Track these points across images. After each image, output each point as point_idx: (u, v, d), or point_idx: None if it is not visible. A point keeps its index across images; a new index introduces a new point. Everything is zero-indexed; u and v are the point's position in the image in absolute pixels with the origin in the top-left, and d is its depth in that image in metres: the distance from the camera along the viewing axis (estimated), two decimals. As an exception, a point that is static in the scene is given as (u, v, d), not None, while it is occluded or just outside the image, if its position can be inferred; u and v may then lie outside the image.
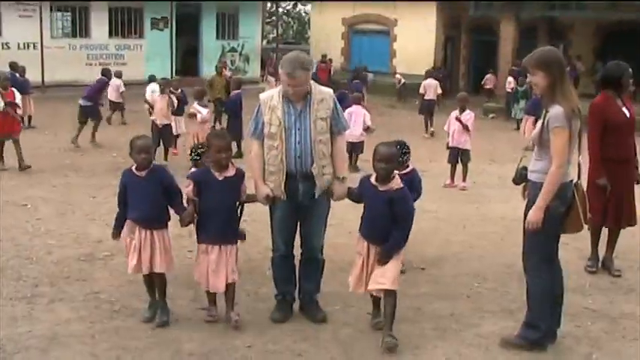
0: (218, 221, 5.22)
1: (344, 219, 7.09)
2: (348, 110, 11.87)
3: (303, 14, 52.79)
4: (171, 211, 5.38)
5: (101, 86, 15.34)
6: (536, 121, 15.94)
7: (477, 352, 5.02)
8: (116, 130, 16.20)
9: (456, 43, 30.91)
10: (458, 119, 11.30)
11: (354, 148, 12.16)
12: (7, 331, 5.12)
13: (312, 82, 5.30)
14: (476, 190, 11.20)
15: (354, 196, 5.36)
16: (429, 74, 19.83)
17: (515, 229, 8.50)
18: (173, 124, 12.52)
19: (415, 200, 5.79)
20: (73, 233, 7.71)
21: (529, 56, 4.91)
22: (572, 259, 6.85)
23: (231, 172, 5.26)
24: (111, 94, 17.29)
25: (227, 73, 20.39)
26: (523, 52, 24.92)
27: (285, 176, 5.22)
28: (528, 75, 5.02)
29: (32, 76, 23.63)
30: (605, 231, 7.00)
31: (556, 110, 4.68)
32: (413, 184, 6.07)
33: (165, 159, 12.44)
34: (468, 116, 11.39)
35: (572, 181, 4.88)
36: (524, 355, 4.96)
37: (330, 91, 5.48)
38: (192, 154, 6.31)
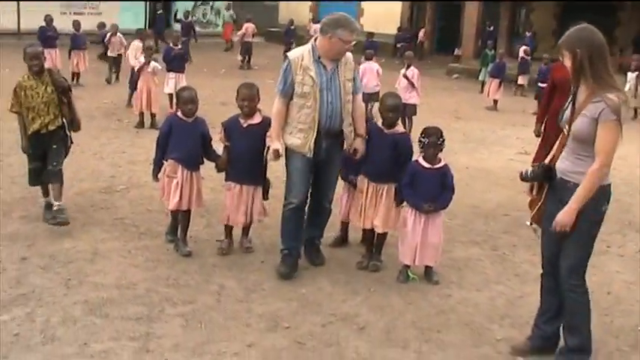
0: (241, 164, 5.86)
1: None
2: (362, 66, 13.33)
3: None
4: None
5: None
6: (500, 84, 17.29)
7: (451, 271, 6.09)
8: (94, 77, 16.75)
9: (422, 4, 31.73)
10: (405, 76, 12.42)
11: (371, 98, 13.16)
12: (55, 247, 6.01)
13: None
14: (443, 143, 12.20)
15: None
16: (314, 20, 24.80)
17: (478, 177, 9.70)
18: (172, 81, 12.47)
19: (451, 198, 5.77)
20: (87, 170, 8.52)
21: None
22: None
23: (256, 120, 5.87)
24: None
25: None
26: (487, 15, 26.04)
27: (315, 134, 5.53)
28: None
29: (9, 23, 23.98)
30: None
31: (612, 101, 4.03)
32: (446, 181, 5.75)
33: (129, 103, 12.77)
34: (412, 73, 12.46)
35: (611, 183, 4.29)
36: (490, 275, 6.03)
37: (351, 54, 5.71)
38: None
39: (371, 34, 23.03)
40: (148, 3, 27.73)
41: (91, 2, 26.28)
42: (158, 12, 25.10)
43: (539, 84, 16.32)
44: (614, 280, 6.17)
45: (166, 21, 28.44)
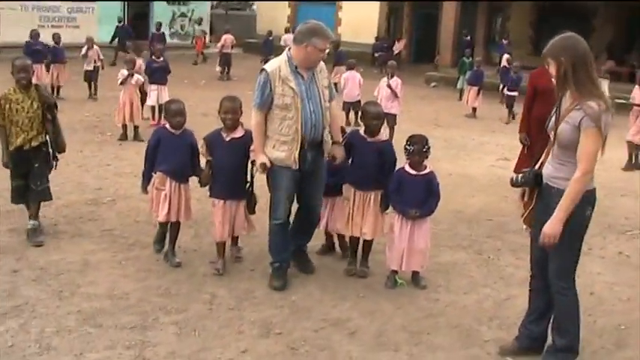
0: (223, 178, 5.82)
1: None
2: (344, 75, 14.21)
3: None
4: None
5: None
6: (478, 91, 17.43)
7: (438, 275, 6.20)
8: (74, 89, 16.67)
9: (399, 14, 32.02)
10: (388, 85, 12.55)
11: (353, 107, 13.89)
12: (45, 259, 6.04)
13: None
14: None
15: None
16: (287, 30, 25.68)
17: (461, 183, 9.83)
18: (154, 93, 12.63)
19: (437, 204, 5.90)
20: (72, 182, 8.55)
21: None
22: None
23: (238, 134, 5.82)
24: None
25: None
26: (464, 26, 26.33)
27: (299, 145, 5.46)
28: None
29: (-14, 36, 23.81)
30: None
31: (591, 109, 4.10)
32: (432, 187, 5.87)
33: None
34: (395, 82, 12.60)
35: (595, 188, 4.35)
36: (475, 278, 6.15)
37: (323, 62, 5.71)
38: None
39: (337, 45, 23.28)
40: (125, 15, 27.73)
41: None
42: (119, 24, 25.08)
43: (508, 92, 16.70)
44: (595, 281, 6.30)
45: (144, 32, 28.49)
